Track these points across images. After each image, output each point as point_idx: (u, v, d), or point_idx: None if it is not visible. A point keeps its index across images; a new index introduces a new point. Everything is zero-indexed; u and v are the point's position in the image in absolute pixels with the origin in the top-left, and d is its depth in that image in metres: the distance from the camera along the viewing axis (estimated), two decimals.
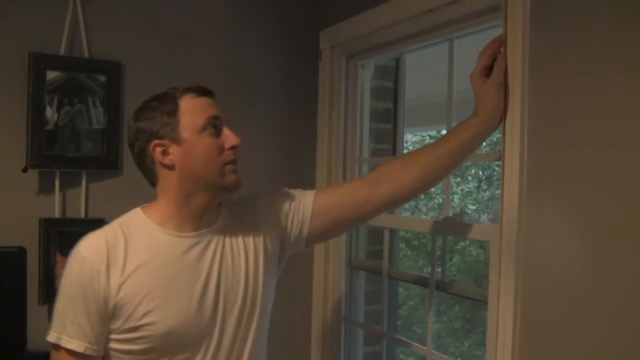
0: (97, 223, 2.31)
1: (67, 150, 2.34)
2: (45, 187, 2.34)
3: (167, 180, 1.60)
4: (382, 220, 2.35)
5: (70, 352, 1.54)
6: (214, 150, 1.58)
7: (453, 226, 2.09)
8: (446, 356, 2.17)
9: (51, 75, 2.30)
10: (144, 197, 1.67)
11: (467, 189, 9.43)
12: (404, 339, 2.41)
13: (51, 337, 1.56)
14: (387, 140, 2.77)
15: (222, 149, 1.59)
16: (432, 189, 4.29)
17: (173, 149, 1.57)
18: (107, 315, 1.54)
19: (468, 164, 9.03)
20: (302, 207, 1.77)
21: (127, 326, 1.55)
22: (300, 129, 2.76)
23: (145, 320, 1.54)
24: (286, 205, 1.77)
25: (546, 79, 1.65)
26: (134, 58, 2.46)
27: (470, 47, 2.17)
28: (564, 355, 1.58)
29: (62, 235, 2.31)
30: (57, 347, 1.56)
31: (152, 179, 1.65)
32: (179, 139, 1.57)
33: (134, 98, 2.41)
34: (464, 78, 2.15)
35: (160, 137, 1.57)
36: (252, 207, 1.76)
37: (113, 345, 1.58)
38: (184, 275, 1.58)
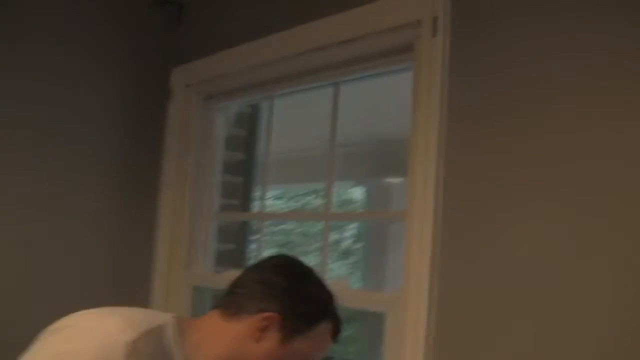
0: None
1: None
2: None
3: (242, 340, 1.39)
4: None
5: None
6: None
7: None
8: None
9: None
10: None
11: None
12: None
13: None
14: (236, 195, 2.56)
15: None
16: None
17: (273, 337, 1.37)
18: None
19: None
20: None
21: None
22: (141, 178, 2.40)
23: None
24: None
25: (461, 129, 1.54)
26: None
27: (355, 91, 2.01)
28: None
29: None
30: None
31: (232, 308, 1.40)
32: (287, 340, 1.38)
33: None
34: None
35: (282, 319, 1.37)
36: None
37: None
38: None
